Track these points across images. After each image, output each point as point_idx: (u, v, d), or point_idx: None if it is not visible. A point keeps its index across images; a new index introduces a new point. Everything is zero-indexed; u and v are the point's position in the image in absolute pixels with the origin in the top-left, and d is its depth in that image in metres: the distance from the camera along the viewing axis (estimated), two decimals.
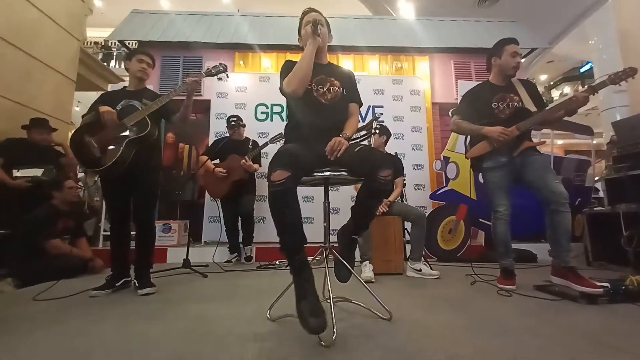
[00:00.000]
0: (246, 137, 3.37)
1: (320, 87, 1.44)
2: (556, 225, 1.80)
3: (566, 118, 1.93)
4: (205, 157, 3.15)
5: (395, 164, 2.75)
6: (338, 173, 1.35)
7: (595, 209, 3.13)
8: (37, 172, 2.70)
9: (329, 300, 1.23)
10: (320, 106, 1.42)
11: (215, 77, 2.14)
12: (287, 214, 1.17)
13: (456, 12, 5.85)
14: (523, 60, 5.63)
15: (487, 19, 5.62)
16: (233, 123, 3.23)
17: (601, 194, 3.66)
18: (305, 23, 1.50)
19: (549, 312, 1.46)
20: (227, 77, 2.22)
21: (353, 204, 1.44)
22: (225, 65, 2.15)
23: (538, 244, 3.28)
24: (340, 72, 1.56)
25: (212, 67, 2.12)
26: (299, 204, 1.20)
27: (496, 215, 1.99)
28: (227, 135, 3.33)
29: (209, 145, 3.54)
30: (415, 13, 6.37)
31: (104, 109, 1.89)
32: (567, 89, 12.69)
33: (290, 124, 1.53)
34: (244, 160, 3.06)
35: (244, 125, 3.34)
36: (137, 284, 1.95)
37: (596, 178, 4.18)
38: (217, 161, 3.23)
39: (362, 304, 1.48)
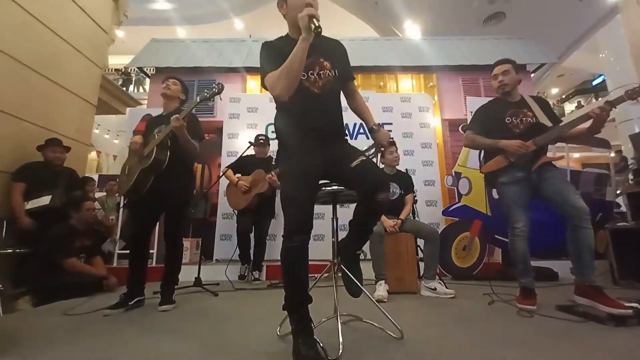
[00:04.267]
0: (269, 155, 3.48)
1: (310, 74, 1.27)
2: (578, 242, 1.74)
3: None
4: (230, 171, 3.30)
5: (405, 181, 2.74)
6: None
7: (618, 224, 2.99)
8: (47, 199, 2.71)
9: (337, 318, 1.21)
10: (313, 98, 1.27)
11: (217, 97, 2.08)
12: (300, 269, 1.22)
13: (461, 32, 5.96)
14: (532, 75, 5.63)
15: (494, 36, 5.70)
16: (262, 141, 3.37)
17: (623, 208, 3.51)
18: (304, 5, 1.16)
19: (573, 334, 1.38)
20: (221, 99, 2.22)
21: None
22: (220, 84, 1.96)
23: (559, 261, 3.14)
24: (329, 48, 1.36)
25: (207, 90, 1.95)
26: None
27: (514, 232, 1.92)
28: (252, 153, 3.41)
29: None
30: (421, 34, 6.50)
31: (133, 139, 2.11)
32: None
33: (281, 119, 1.34)
34: (270, 175, 3.13)
35: (269, 144, 3.47)
36: (159, 296, 2.01)
37: (618, 192, 4.03)
38: (240, 176, 3.32)
39: (374, 323, 1.44)
